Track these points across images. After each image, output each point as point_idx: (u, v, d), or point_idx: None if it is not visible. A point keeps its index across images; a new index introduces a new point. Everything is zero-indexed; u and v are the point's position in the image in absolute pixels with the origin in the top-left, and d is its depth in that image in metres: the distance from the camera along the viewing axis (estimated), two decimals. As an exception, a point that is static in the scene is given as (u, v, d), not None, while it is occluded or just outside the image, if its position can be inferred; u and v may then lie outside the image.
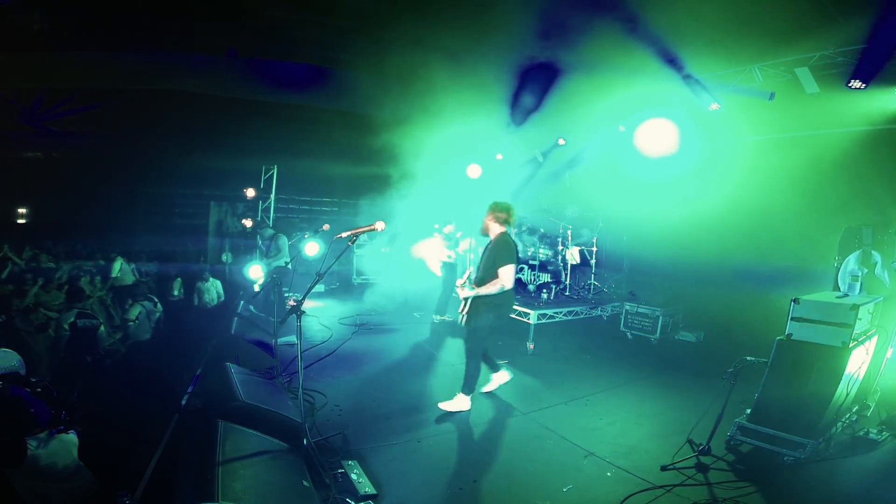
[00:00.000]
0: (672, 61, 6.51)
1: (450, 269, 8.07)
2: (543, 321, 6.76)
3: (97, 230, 10.60)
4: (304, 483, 2.91)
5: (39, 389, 2.76)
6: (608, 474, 3.56)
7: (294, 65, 8.47)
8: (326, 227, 8.59)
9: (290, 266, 7.74)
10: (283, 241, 7.87)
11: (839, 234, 5.54)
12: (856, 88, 5.45)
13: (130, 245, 10.70)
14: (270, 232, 7.95)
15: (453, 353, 6.66)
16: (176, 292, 9.10)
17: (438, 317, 8.05)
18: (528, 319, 6.69)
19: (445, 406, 4.55)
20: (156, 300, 7.47)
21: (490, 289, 4.37)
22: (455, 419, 4.47)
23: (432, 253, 8.28)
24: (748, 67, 6.52)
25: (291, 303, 6.68)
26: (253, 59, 8.09)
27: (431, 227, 8.92)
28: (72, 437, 2.76)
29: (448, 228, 8.07)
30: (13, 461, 2.45)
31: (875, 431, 3.99)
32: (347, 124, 10.15)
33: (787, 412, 3.72)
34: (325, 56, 8.29)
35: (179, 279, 9.24)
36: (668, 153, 7.71)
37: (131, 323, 6.56)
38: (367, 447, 3.77)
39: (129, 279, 7.28)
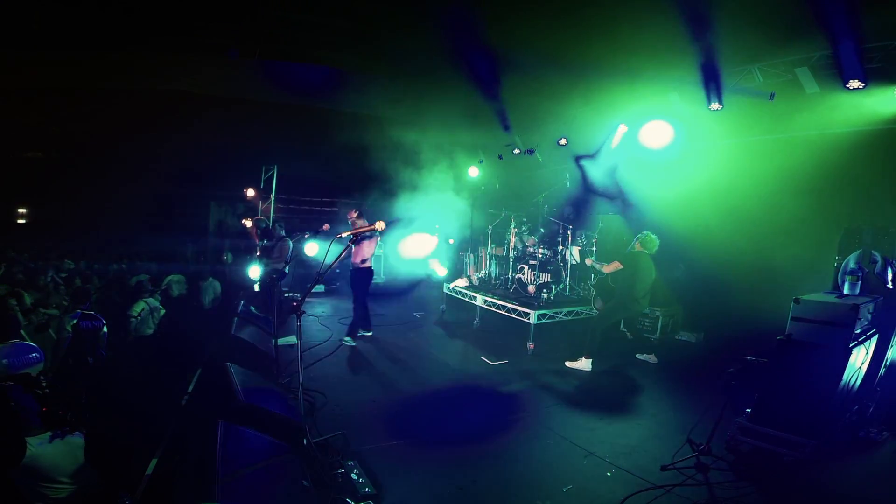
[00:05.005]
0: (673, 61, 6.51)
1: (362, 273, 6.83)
2: (543, 321, 6.76)
3: (97, 230, 10.62)
4: (304, 483, 2.92)
5: (45, 391, 2.76)
6: (608, 474, 3.56)
7: (294, 65, 8.47)
8: (326, 227, 8.60)
9: (286, 270, 7.78)
10: (290, 247, 7.92)
11: (839, 234, 5.54)
12: (855, 88, 5.45)
13: (131, 245, 10.74)
14: (282, 234, 8.02)
15: (453, 353, 6.67)
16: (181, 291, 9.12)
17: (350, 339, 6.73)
18: (528, 319, 6.69)
19: (569, 364, 6.01)
20: (159, 298, 7.50)
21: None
22: (454, 419, 4.47)
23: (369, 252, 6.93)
24: (748, 67, 6.52)
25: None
26: (253, 59, 8.09)
27: (429, 227, 8.91)
28: (78, 439, 2.76)
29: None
30: (10, 460, 2.45)
31: (875, 431, 3.99)
32: (348, 124, 10.15)
33: (787, 412, 3.72)
34: (326, 57, 8.28)
35: (183, 277, 9.27)
36: (667, 153, 7.71)
37: (133, 318, 6.59)
38: (367, 447, 3.77)
39: (149, 329, 7.13)
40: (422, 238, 9.15)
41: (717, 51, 5.99)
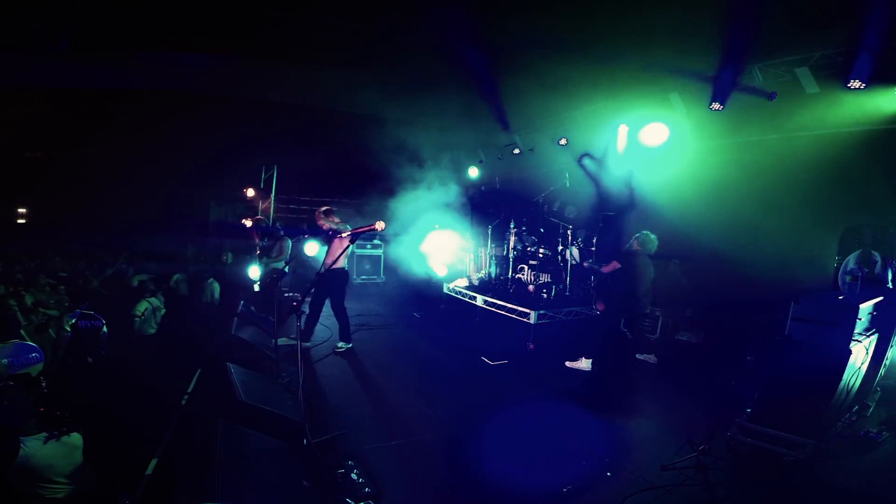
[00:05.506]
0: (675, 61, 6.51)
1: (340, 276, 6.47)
2: (543, 321, 6.76)
3: (97, 230, 10.62)
4: (304, 483, 2.92)
5: (45, 391, 2.76)
6: (608, 474, 3.56)
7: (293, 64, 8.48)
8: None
9: (286, 269, 7.78)
10: (288, 245, 7.93)
11: (839, 234, 5.54)
12: (856, 88, 5.45)
13: (131, 245, 10.75)
14: (281, 233, 8.05)
15: (453, 353, 6.67)
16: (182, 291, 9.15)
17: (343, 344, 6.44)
18: (528, 319, 6.69)
19: (569, 364, 6.11)
20: (162, 297, 7.52)
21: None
22: (454, 419, 4.47)
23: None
24: (748, 67, 6.52)
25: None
26: (252, 58, 8.09)
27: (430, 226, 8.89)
28: (75, 439, 2.76)
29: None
30: (3, 459, 2.45)
31: (875, 431, 3.99)
32: (348, 124, 10.15)
33: (787, 412, 3.72)
34: (326, 57, 8.29)
35: (182, 276, 9.29)
36: (665, 153, 7.71)
37: (137, 318, 6.61)
38: (367, 447, 3.76)
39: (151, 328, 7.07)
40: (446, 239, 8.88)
41: (730, 49, 5.97)
